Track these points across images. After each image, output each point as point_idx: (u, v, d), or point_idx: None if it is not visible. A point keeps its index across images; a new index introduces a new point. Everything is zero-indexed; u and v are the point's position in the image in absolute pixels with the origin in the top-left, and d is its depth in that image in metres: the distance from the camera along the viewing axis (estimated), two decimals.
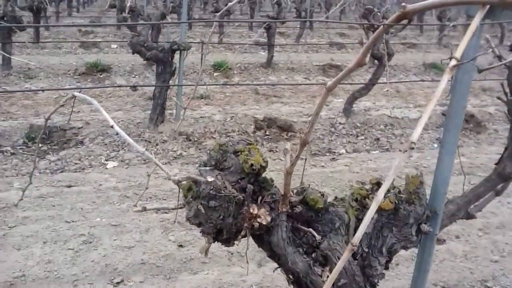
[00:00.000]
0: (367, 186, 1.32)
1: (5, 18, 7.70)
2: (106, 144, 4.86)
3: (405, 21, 0.81)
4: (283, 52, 11.35)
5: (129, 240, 3.24)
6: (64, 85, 7.56)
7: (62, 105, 1.57)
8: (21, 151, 4.70)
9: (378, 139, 5.48)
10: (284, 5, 13.25)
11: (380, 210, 1.25)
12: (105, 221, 3.48)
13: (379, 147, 5.31)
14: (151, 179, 4.26)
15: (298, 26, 14.45)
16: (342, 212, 1.28)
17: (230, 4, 1.47)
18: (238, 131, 5.38)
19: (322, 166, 4.73)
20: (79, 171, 4.38)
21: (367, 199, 1.28)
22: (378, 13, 5.36)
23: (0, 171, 4.30)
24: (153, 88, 5.44)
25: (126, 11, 6.40)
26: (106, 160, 4.59)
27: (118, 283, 2.82)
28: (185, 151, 4.88)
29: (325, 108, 6.69)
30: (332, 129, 5.61)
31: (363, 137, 5.51)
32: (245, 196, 1.17)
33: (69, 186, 4.05)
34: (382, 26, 0.81)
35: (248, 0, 16.31)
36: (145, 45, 4.90)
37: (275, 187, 1.28)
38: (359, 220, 1.28)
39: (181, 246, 3.18)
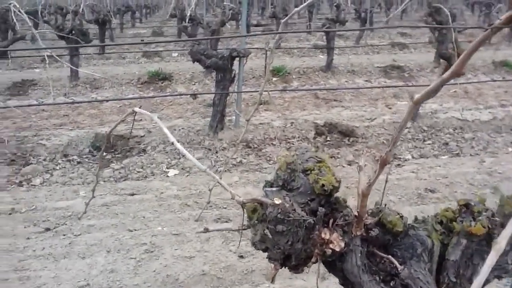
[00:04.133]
0: (454, 208, 1.17)
1: (73, 32, 8.03)
2: (167, 152, 4.90)
3: None
4: (343, 54, 11.11)
5: (189, 250, 3.21)
6: (127, 94, 7.78)
7: (123, 120, 1.53)
8: (87, 160, 4.83)
9: (447, 143, 5.16)
10: (343, 7, 13.02)
11: (470, 235, 1.10)
12: (166, 230, 3.48)
13: (448, 152, 5.00)
14: (210, 187, 4.24)
15: (358, 27, 14.13)
16: (425, 236, 1.13)
17: (294, 10, 1.38)
18: (298, 137, 5.26)
19: (387, 172, 4.51)
20: (142, 179, 4.43)
21: (454, 222, 1.13)
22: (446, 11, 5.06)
23: (67, 180, 4.44)
24: (213, 95, 5.44)
25: (186, 20, 6.46)
26: (167, 168, 4.62)
27: None
28: (244, 158, 4.82)
29: (389, 112, 6.44)
30: None
31: (430, 142, 5.22)
32: (316, 220, 1.06)
33: (132, 194, 4.10)
34: (489, 30, 0.68)
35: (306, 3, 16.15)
36: (205, 53, 4.91)
37: (348, 207, 1.16)
38: (444, 246, 1.13)
39: (241, 257, 3.11)
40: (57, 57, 4.40)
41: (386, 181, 1.22)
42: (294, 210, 1.05)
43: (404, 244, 1.14)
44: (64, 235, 3.43)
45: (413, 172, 4.47)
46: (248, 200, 1.11)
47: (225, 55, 5.02)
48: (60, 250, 3.22)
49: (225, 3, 6.90)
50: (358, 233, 1.13)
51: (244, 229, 1.30)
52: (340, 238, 1.07)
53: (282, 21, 1.37)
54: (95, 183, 1.94)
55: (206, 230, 1.28)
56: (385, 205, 1.22)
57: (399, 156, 4.87)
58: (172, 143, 1.37)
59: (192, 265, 3.01)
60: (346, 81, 8.57)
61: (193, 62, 5.24)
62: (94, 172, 4.60)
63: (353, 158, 4.78)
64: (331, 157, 4.82)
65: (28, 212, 3.81)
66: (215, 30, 6.00)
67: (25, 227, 3.56)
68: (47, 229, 3.51)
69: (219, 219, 3.63)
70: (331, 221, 1.12)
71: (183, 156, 4.81)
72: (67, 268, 3.02)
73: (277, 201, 1.05)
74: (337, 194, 1.18)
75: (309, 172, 1.11)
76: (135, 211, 3.77)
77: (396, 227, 1.13)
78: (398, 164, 4.67)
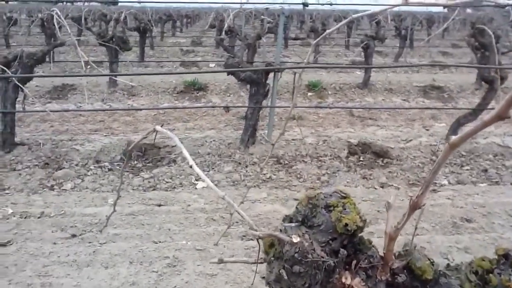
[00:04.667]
0: (491, 257, 1.07)
1: (113, 39, 8.20)
2: (197, 164, 4.83)
3: None
4: (381, 72, 10.92)
5: (212, 267, 3.15)
6: (163, 103, 7.86)
7: (145, 137, 1.50)
8: (118, 167, 4.86)
9: (486, 170, 4.94)
10: (383, 24, 12.81)
11: None
12: (191, 244, 3.44)
13: (487, 179, 4.78)
14: (237, 202, 4.18)
15: (398, 45, 13.90)
16: (457, 286, 1.04)
17: (327, 32, 1.31)
18: (330, 155, 5.15)
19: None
20: (170, 190, 4.42)
21: (490, 274, 1.03)
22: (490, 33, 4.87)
23: (97, 186, 4.47)
24: (246, 108, 5.41)
25: (222, 32, 6.47)
26: (196, 180, 4.59)
27: None
28: (274, 174, 4.75)
29: (426, 134, 6.25)
30: (434, 158, 5.17)
31: (468, 168, 5.00)
32: (336, 262, 0.98)
33: (159, 205, 4.09)
34: None
35: (345, 18, 16.05)
36: (240, 66, 4.89)
37: (373, 247, 1.07)
38: None
39: (264, 278, 3.02)
40: (93, 64, 4.46)
41: (416, 228, 1.12)
42: (313, 250, 0.98)
43: None
44: (89, 242, 3.44)
45: (448, 198, 4.29)
46: (265, 234, 1.04)
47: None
48: (84, 258, 3.22)
49: (263, 16, 6.88)
50: (383, 277, 1.04)
51: (261, 263, 1.23)
52: (363, 284, 0.99)
53: (313, 42, 1.31)
54: (116, 198, 1.91)
55: (221, 261, 1.21)
56: (415, 247, 1.13)
57: (435, 181, 4.69)
58: (191, 167, 1.32)
59: (213, 284, 2.95)
60: (383, 100, 8.40)
61: (228, 74, 5.23)
62: (123, 180, 4.62)
63: (386, 181, 4.63)
64: (363, 178, 4.69)
65: (57, 217, 3.84)
66: (251, 44, 5.98)
67: (52, 232, 3.59)
68: (74, 236, 3.53)
69: (244, 236, 3.56)
70: (353, 262, 1.04)
71: (213, 167, 4.79)
72: (89, 277, 3.01)
73: (295, 239, 0.98)
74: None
75: (332, 208, 1.03)
76: (160, 223, 3.75)
77: (426, 274, 1.03)
78: (434, 190, 4.49)
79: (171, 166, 4.90)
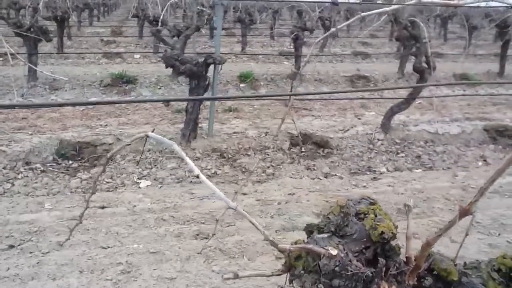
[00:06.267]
0: None
1: (31, 29, 7.61)
2: (138, 162, 4.67)
3: None
4: (309, 62, 11.14)
5: (169, 270, 3.03)
6: (89, 97, 7.45)
7: (129, 144, 1.37)
8: (51, 168, 4.54)
9: (419, 156, 5.21)
10: (305, 14, 13.04)
11: None
12: (143, 248, 3.28)
13: (422, 165, 5.04)
14: (186, 200, 4.07)
15: (321, 35, 14.23)
16: (480, 285, 1.05)
17: (339, 26, 1.26)
18: (273, 148, 5.16)
19: (364, 186, 4.48)
20: (112, 191, 4.20)
21: None
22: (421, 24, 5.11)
23: (30, 190, 4.15)
24: (181, 101, 5.26)
25: (159, 24, 6.22)
26: (139, 179, 4.40)
27: None
28: (219, 169, 4.68)
29: (359, 122, 6.46)
30: (371, 146, 5.36)
31: (403, 155, 5.24)
32: (374, 273, 0.95)
33: (103, 207, 3.87)
34: None
35: (271, 9, 16.15)
36: (179, 59, 4.72)
37: (400, 254, 1.06)
38: None
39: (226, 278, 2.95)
40: (19, 57, 4.09)
41: (467, 235, 1.11)
42: (350, 261, 0.94)
43: None
44: (30, 253, 3.17)
45: (389, 185, 4.46)
46: (296, 248, 0.98)
47: (200, 61, 4.86)
48: (28, 271, 2.96)
49: (199, 7, 6.72)
50: (411, 282, 1.03)
51: (278, 275, 1.17)
52: None
53: (327, 33, 1.26)
54: (84, 209, 1.76)
55: (236, 276, 1.14)
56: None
57: (374, 169, 4.86)
58: (197, 176, 1.23)
59: (174, 287, 2.84)
60: (314, 89, 8.57)
61: (166, 67, 5.04)
62: (60, 182, 4.32)
63: (329, 170, 4.72)
64: (307, 169, 4.75)
65: None
66: (189, 35, 5.81)
67: None
68: (11, 246, 3.24)
69: (198, 235, 3.46)
70: (383, 269, 1.01)
71: (155, 164, 4.61)
72: None
73: (333, 251, 0.93)
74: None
75: (362, 215, 1.00)
76: (107, 226, 3.54)
77: (451, 275, 1.03)
78: (374, 178, 4.65)
79: (110, 165, 4.65)
